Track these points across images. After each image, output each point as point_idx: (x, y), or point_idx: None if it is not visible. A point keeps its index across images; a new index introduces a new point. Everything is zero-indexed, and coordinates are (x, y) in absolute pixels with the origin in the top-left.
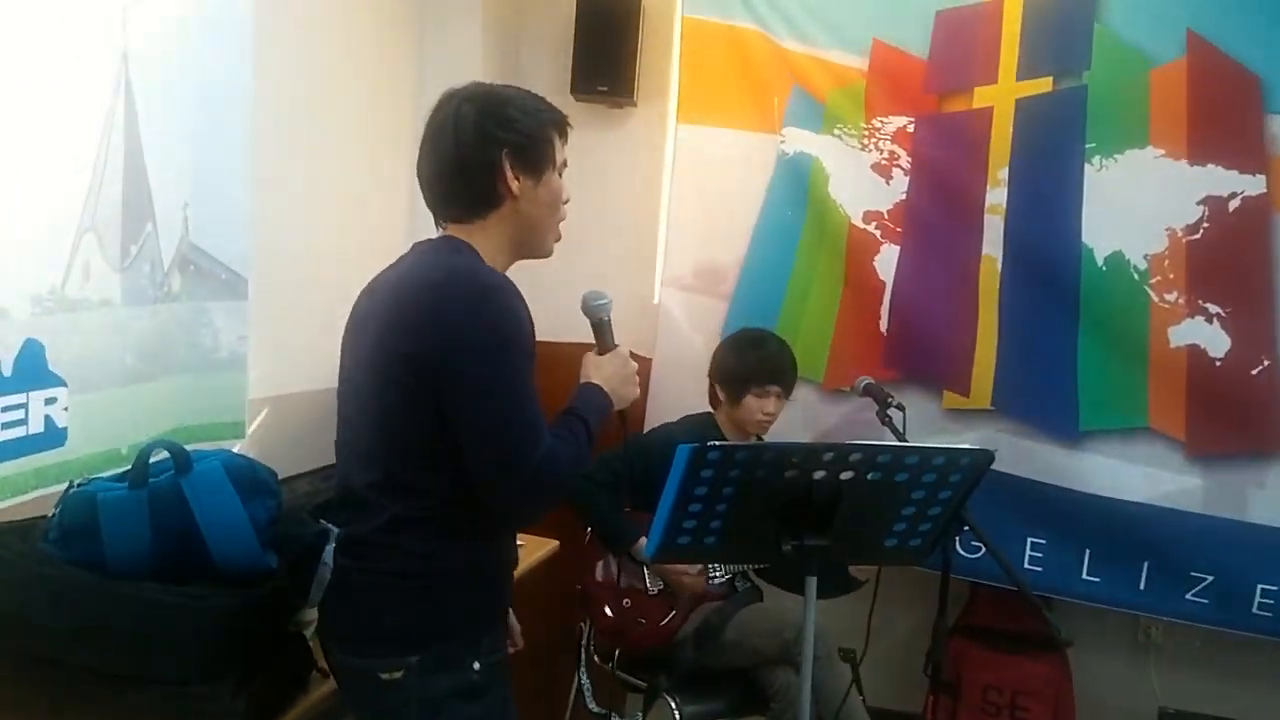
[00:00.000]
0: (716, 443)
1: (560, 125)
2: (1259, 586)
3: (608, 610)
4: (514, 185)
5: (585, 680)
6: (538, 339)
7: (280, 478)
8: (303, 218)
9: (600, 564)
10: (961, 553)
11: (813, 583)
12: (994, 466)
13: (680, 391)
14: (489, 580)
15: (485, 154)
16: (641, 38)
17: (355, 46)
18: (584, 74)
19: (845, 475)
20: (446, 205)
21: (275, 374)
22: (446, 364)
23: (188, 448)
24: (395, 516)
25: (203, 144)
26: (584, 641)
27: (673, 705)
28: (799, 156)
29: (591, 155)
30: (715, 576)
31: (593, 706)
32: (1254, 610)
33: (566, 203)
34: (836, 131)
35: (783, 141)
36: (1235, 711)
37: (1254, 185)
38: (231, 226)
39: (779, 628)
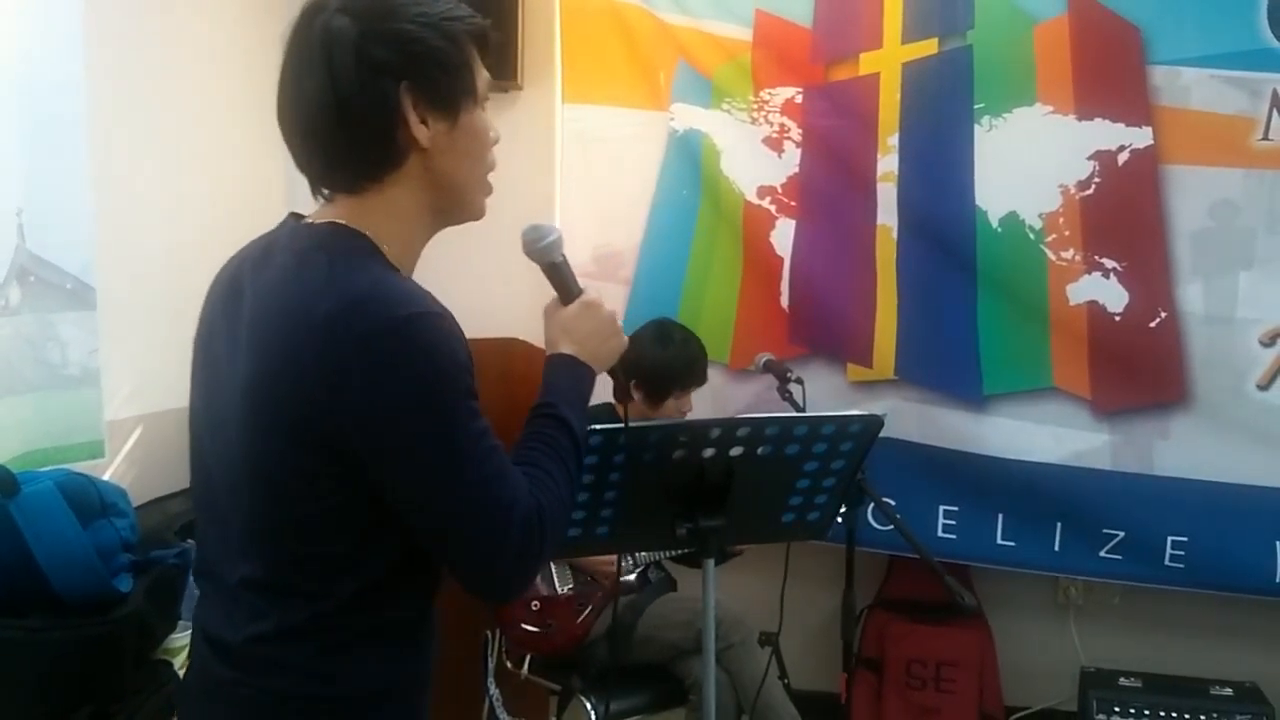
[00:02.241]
0: (597, 427)
1: (479, 35)
2: (1169, 539)
3: (517, 617)
4: (420, 133)
5: (494, 690)
6: None
7: (152, 498)
8: (157, 216)
9: None
10: (875, 525)
11: (711, 566)
12: (902, 436)
13: None
14: (403, 705)
15: (374, 91)
16: (523, 19)
17: (206, 22)
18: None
19: (735, 452)
20: (327, 169)
21: (141, 390)
22: (366, 440)
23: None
24: (280, 625)
25: (32, 144)
26: (491, 650)
27: (588, 706)
28: (689, 133)
29: None
30: (627, 571)
31: (504, 716)
32: (1166, 563)
33: (496, 143)
34: (725, 106)
35: (672, 119)
36: (1156, 665)
37: (1141, 137)
38: (72, 232)
39: (693, 618)
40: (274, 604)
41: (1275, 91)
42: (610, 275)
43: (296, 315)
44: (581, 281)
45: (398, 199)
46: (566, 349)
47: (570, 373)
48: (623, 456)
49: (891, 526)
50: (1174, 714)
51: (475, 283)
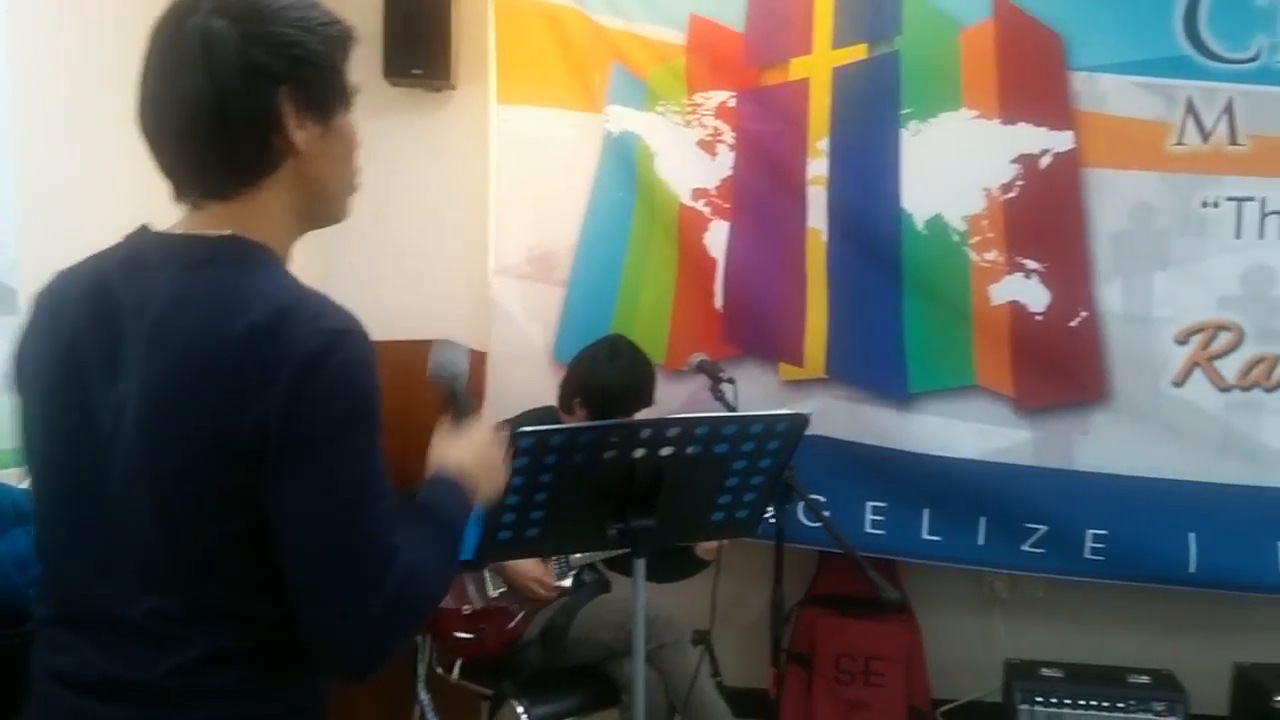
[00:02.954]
0: (527, 429)
1: (350, 41)
2: (1089, 532)
3: (448, 623)
4: (298, 137)
5: (425, 697)
6: None
7: None
8: (82, 216)
9: None
10: (805, 522)
11: (641, 565)
12: (831, 434)
13: (519, 385)
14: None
15: (257, 96)
16: (455, 17)
17: (132, 20)
18: (396, 57)
19: (665, 451)
20: (200, 173)
21: None
22: (281, 448)
23: None
24: (207, 652)
25: None
26: (421, 656)
27: (520, 710)
28: (624, 135)
29: (412, 142)
30: (560, 575)
31: None
32: (1086, 555)
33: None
34: (659, 109)
35: (607, 121)
36: (1078, 655)
37: (1063, 141)
38: None
39: (626, 619)
40: (198, 631)
41: (1190, 98)
42: (545, 276)
43: (210, 328)
44: (516, 285)
45: (269, 203)
46: (449, 472)
47: (450, 491)
48: (554, 458)
49: (821, 524)
50: (1094, 702)
51: (408, 286)
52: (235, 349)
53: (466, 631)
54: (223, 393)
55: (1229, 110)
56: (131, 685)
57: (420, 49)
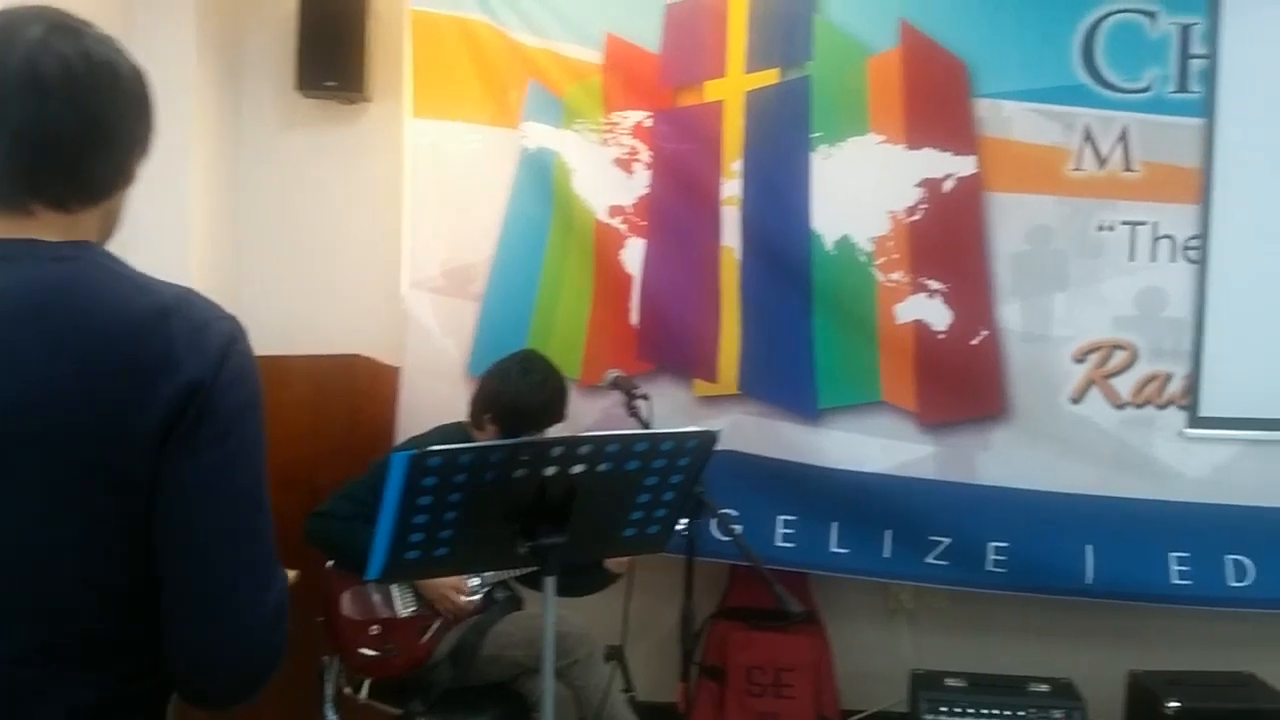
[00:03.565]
0: (436, 448)
1: None
2: (990, 544)
3: (356, 641)
4: (138, 168)
5: (333, 717)
6: (269, 353)
7: None
8: None
9: (346, 594)
10: (717, 536)
11: (552, 583)
12: (742, 448)
13: (433, 400)
14: None
15: (144, 124)
16: (370, 30)
17: None
18: (311, 69)
19: (577, 469)
20: (67, 184)
21: None
22: (198, 429)
23: None
24: (103, 689)
25: None
26: (328, 676)
27: None
28: (541, 152)
29: (325, 154)
30: (472, 591)
31: None
32: (988, 568)
33: None
34: (576, 126)
35: (524, 137)
36: (981, 665)
37: (966, 166)
38: None
39: (536, 636)
40: (76, 672)
41: (1087, 125)
42: (460, 291)
43: (84, 329)
44: (430, 298)
45: (89, 222)
46: None
47: None
48: (464, 477)
49: (731, 538)
50: (996, 711)
51: (321, 299)
52: (141, 328)
53: (374, 650)
54: (130, 372)
55: (1124, 138)
56: None
57: (334, 61)
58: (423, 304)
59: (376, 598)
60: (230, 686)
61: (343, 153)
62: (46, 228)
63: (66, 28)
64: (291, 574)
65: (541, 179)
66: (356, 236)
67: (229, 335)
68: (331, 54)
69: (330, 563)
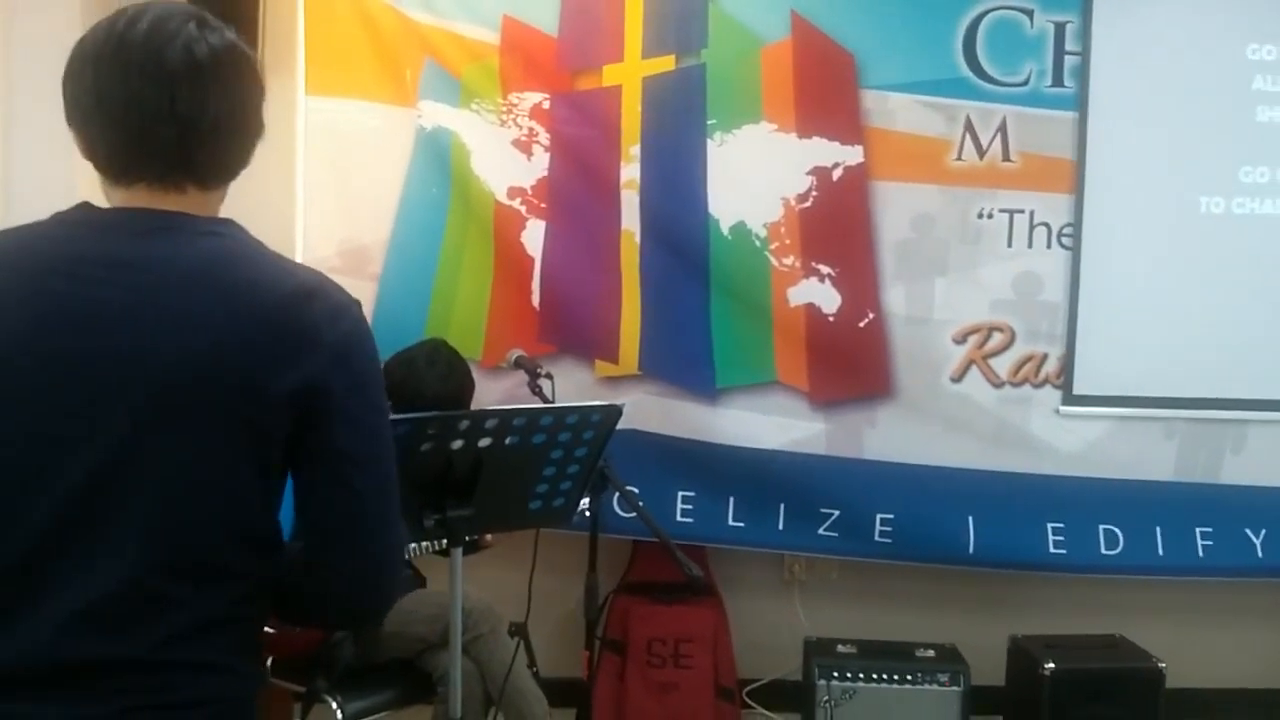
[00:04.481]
0: None
1: None
2: (878, 516)
3: None
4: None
5: None
6: None
7: None
8: None
9: None
10: (619, 513)
11: (458, 555)
12: (643, 427)
13: None
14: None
15: (261, 109)
16: (263, 6)
17: None
18: None
19: (483, 443)
20: (215, 163)
21: None
22: (350, 397)
23: None
24: (201, 618)
25: None
26: None
27: (334, 706)
28: (438, 131)
29: None
30: None
31: None
32: (875, 539)
33: None
34: (474, 107)
35: (420, 116)
36: (871, 632)
37: (853, 155)
38: None
39: (440, 611)
40: (195, 590)
41: (968, 117)
42: (357, 271)
43: (245, 297)
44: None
45: (219, 200)
46: None
47: None
48: None
49: (635, 514)
50: (884, 675)
51: None
52: (277, 314)
53: (274, 627)
54: (267, 351)
55: (1003, 129)
56: (106, 667)
57: None
58: None
59: None
60: (366, 607)
61: None
62: (192, 203)
63: (207, 21)
64: None
65: (439, 159)
66: (247, 217)
67: (357, 317)
68: None
69: None
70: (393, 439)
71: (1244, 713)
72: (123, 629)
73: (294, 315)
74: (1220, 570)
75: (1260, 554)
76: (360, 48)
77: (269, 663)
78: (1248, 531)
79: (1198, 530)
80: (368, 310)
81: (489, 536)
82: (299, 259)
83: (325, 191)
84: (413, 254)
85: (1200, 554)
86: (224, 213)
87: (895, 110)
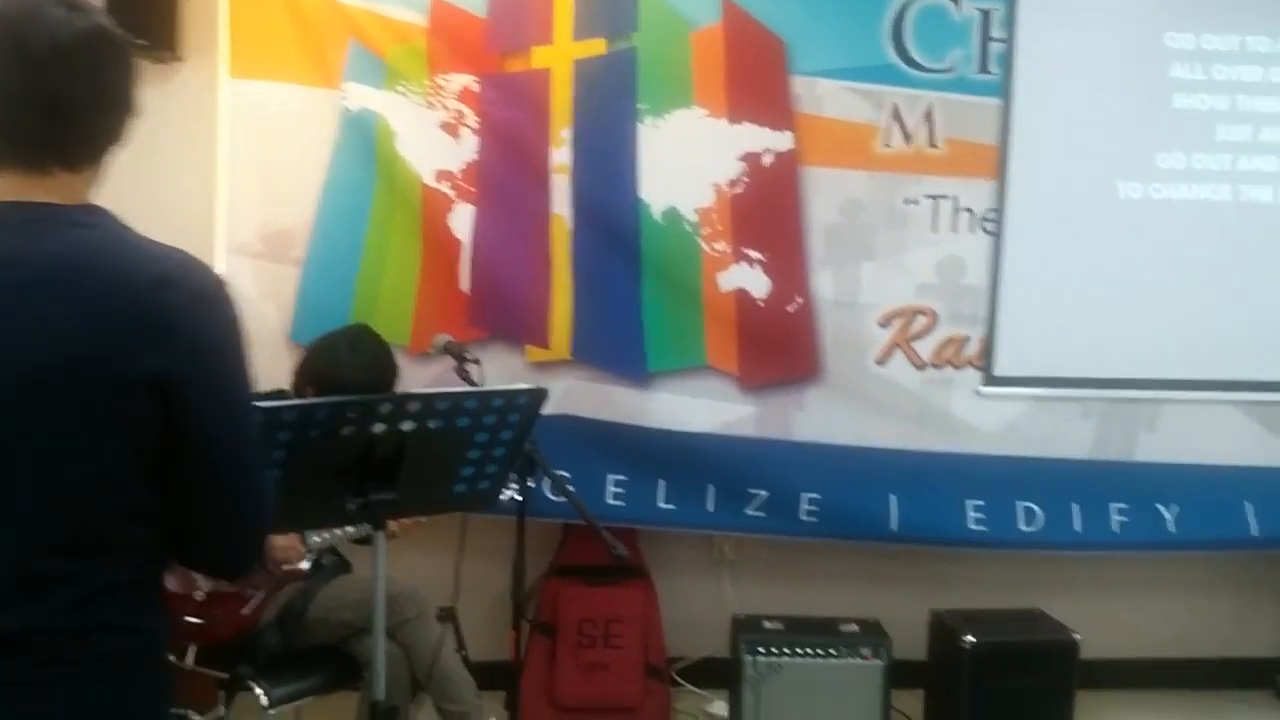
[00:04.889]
0: (260, 405)
1: None
2: (804, 496)
3: (179, 610)
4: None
5: None
6: None
7: None
8: None
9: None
10: (550, 496)
11: (382, 539)
12: (575, 412)
13: (254, 369)
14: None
15: (132, 87)
16: None
17: None
18: (119, 27)
19: (407, 426)
20: (81, 144)
21: None
22: (207, 384)
23: None
24: (95, 587)
25: None
26: None
27: (260, 692)
28: (363, 113)
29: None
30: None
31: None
32: (802, 518)
33: None
34: (400, 89)
35: (344, 98)
36: (798, 609)
37: (783, 141)
38: None
39: (366, 596)
40: (86, 566)
41: (895, 104)
42: (279, 255)
43: (107, 287)
44: (249, 263)
45: (89, 181)
46: None
47: None
48: (288, 434)
49: (564, 498)
50: (809, 649)
51: None
52: (147, 295)
53: (198, 617)
54: (138, 332)
55: (929, 116)
56: (26, 634)
57: (145, 18)
58: (241, 269)
59: None
60: (245, 551)
61: (154, 114)
62: (60, 187)
63: (75, 4)
64: None
65: (364, 141)
66: (168, 201)
67: (218, 300)
68: (142, 11)
69: None
70: (256, 422)
71: (1155, 682)
72: (19, 605)
73: (152, 305)
74: (1135, 545)
75: (1172, 529)
76: (283, 30)
77: (192, 651)
78: (1160, 507)
79: (1113, 506)
80: (290, 295)
81: (394, 526)
82: (220, 243)
83: (248, 175)
84: (337, 238)
85: (1115, 530)
86: (142, 199)
87: (824, 96)
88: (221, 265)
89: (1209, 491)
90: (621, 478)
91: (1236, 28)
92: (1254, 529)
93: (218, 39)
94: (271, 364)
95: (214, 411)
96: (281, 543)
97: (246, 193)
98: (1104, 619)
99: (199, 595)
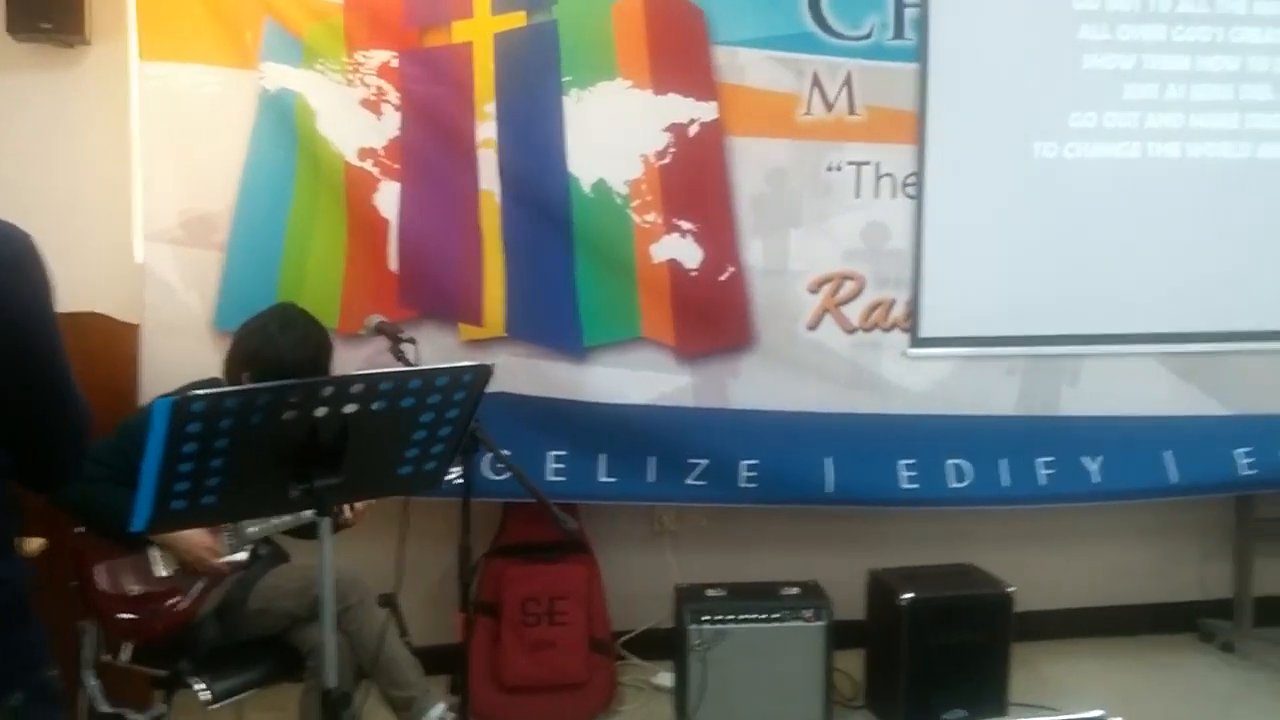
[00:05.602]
0: (200, 392)
1: None
2: (743, 463)
3: (113, 607)
4: None
5: (93, 683)
6: None
7: None
8: None
9: (101, 560)
10: (490, 475)
11: (328, 525)
12: (512, 389)
13: (178, 357)
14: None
15: None
16: None
17: None
18: (21, 10)
19: (350, 409)
20: None
21: None
22: (34, 329)
23: None
24: None
25: None
26: (85, 642)
27: (200, 687)
28: (281, 93)
29: (42, 102)
30: (235, 550)
31: (105, 708)
32: (741, 484)
33: None
34: (319, 66)
35: (262, 78)
36: (740, 575)
37: (708, 111)
38: None
39: (307, 585)
40: None
41: (815, 72)
42: (201, 241)
43: None
44: (169, 250)
45: None
46: None
47: None
48: (230, 421)
49: (506, 476)
50: (752, 614)
51: (52, 255)
52: None
53: (131, 613)
54: None
55: (848, 83)
56: None
57: (49, 2)
58: (161, 256)
59: (133, 560)
60: (72, 458)
61: (62, 100)
62: None
63: None
64: (38, 542)
65: (283, 121)
66: (83, 189)
67: (25, 249)
68: None
69: (80, 529)
70: (65, 364)
71: (1085, 630)
72: None
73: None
74: (1061, 497)
75: (1097, 480)
76: (195, 10)
77: (129, 648)
78: (1085, 460)
79: (1039, 460)
80: (213, 282)
81: (349, 514)
82: (138, 229)
83: (164, 160)
84: (259, 221)
85: (1043, 483)
86: (57, 187)
87: (746, 66)
88: (140, 253)
89: (1130, 442)
90: (562, 453)
91: None
92: (1173, 477)
93: (126, 21)
94: (196, 352)
95: (38, 358)
96: (199, 541)
97: (164, 178)
98: (1035, 571)
99: (133, 591)
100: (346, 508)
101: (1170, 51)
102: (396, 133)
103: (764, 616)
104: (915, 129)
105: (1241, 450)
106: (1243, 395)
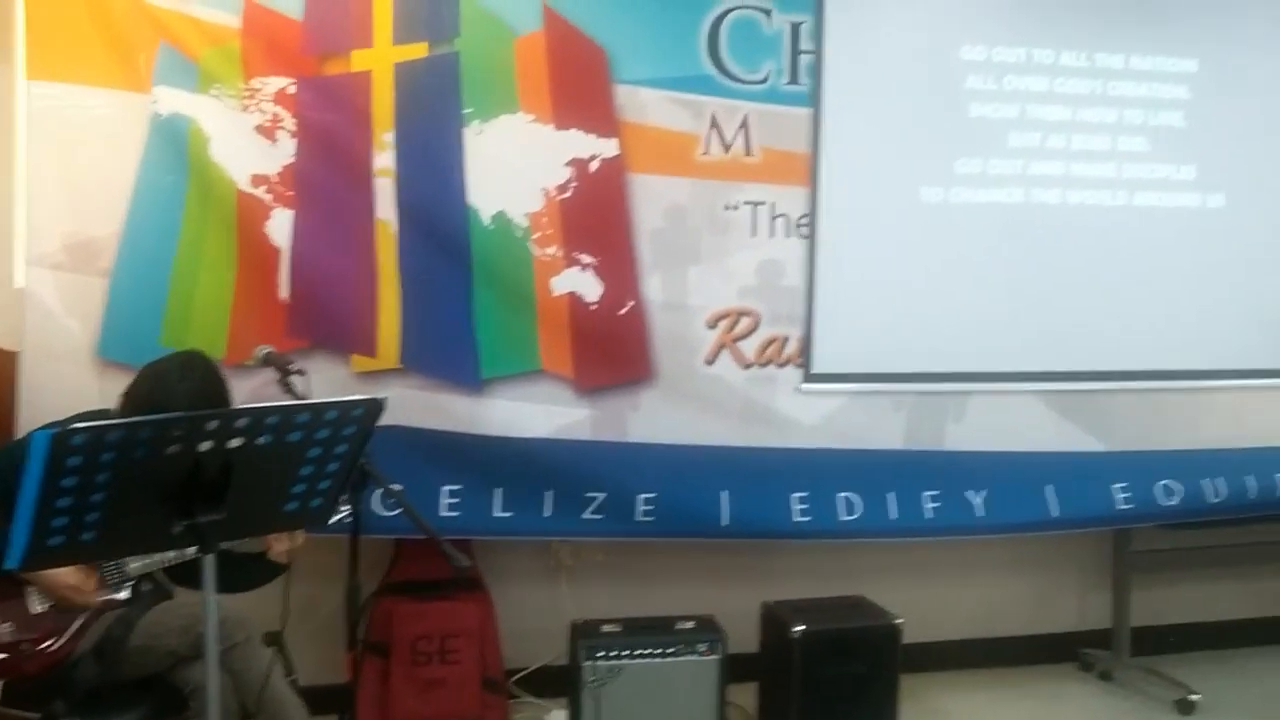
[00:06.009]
0: (81, 425)
1: None
2: (640, 496)
3: None
4: None
5: None
6: None
7: None
8: None
9: None
10: (381, 511)
11: (211, 562)
12: (406, 422)
13: (58, 385)
14: None
15: None
16: None
17: None
18: None
19: (234, 443)
20: None
21: None
22: None
23: None
24: None
25: None
26: None
27: None
28: (174, 118)
29: None
30: (117, 588)
31: None
32: (638, 518)
33: None
34: (214, 92)
35: (154, 102)
36: (636, 610)
37: (609, 148)
38: None
39: (191, 623)
40: None
41: (714, 113)
42: (85, 266)
43: None
44: (51, 275)
45: None
46: None
47: None
48: (111, 455)
49: (397, 512)
50: (647, 649)
51: None
52: None
53: (3, 651)
54: None
55: (745, 125)
56: None
57: None
58: (43, 282)
59: (6, 596)
60: None
61: None
62: None
63: None
64: None
65: (175, 146)
66: None
67: None
68: None
69: None
70: None
71: (970, 661)
72: None
73: None
74: (947, 530)
75: (980, 513)
76: (87, 31)
77: None
78: (969, 494)
79: (925, 494)
80: (97, 309)
81: (282, 552)
82: (20, 254)
83: (50, 183)
84: (147, 247)
85: (929, 516)
86: None
87: (646, 105)
88: (21, 278)
89: (1012, 477)
90: (456, 488)
91: (1024, 41)
92: (1054, 511)
93: (15, 39)
94: (79, 381)
95: None
96: (63, 580)
97: (48, 201)
98: (922, 603)
99: (6, 628)
100: (280, 551)
101: (1052, 102)
102: (291, 159)
103: (659, 651)
104: (808, 171)
105: (1118, 485)
106: (1120, 432)
